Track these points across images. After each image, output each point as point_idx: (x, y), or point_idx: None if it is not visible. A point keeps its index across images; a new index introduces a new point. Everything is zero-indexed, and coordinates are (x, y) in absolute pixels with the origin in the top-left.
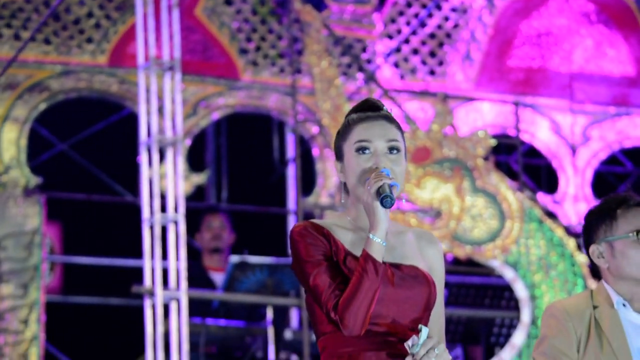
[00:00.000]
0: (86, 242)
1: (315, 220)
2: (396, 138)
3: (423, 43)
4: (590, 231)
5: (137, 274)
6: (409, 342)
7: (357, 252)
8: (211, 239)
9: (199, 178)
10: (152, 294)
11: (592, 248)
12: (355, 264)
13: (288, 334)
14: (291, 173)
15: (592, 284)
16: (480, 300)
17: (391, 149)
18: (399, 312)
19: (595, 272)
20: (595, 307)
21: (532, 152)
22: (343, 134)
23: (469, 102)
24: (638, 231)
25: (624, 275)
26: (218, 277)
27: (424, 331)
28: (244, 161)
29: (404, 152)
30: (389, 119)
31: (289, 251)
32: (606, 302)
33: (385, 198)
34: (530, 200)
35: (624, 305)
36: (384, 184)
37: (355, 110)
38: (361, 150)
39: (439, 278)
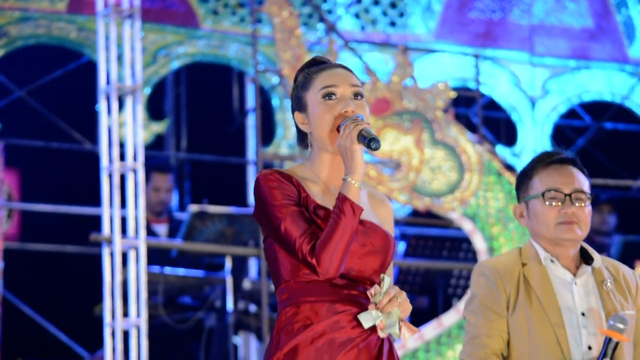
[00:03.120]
0: (44, 189)
1: (281, 169)
2: (358, 84)
3: None
4: (517, 190)
5: (95, 222)
6: (372, 291)
7: (326, 204)
8: (156, 203)
9: (158, 127)
10: (110, 242)
11: (514, 208)
12: (325, 214)
13: (247, 284)
14: (251, 123)
15: None
16: (438, 252)
17: (355, 95)
18: (361, 265)
19: None
20: (524, 265)
21: (491, 105)
22: (304, 84)
23: (429, 54)
24: (545, 191)
25: (540, 234)
26: (161, 229)
27: (387, 280)
28: (204, 110)
29: (365, 99)
30: (347, 68)
31: (249, 201)
32: (534, 259)
33: (372, 140)
34: (490, 153)
35: (552, 261)
36: (365, 127)
37: (306, 66)
38: (328, 95)
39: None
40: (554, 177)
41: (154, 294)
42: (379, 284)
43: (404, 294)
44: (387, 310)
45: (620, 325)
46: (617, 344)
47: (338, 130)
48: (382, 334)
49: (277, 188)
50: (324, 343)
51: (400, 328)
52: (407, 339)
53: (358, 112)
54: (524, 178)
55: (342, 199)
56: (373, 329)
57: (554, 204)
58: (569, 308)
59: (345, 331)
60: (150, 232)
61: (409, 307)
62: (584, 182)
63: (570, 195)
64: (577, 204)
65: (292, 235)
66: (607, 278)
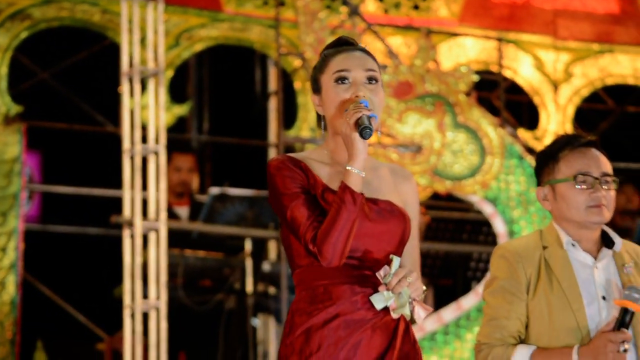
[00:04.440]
0: (66, 171)
1: (292, 154)
2: (374, 68)
3: None
4: (538, 173)
5: (116, 204)
6: (381, 272)
7: (335, 186)
8: (177, 184)
9: (181, 109)
10: (131, 224)
11: (538, 190)
12: (333, 198)
13: (266, 266)
14: (273, 106)
15: None
16: (458, 235)
17: (370, 79)
18: (375, 246)
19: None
20: (545, 248)
21: (514, 89)
22: (320, 66)
23: (452, 38)
24: (576, 174)
25: (566, 218)
26: (182, 211)
27: (396, 261)
28: (226, 93)
29: (381, 83)
30: (365, 51)
31: None
32: (556, 242)
33: (364, 129)
34: (511, 136)
35: (572, 245)
36: (362, 116)
37: (330, 46)
38: (340, 80)
39: (413, 213)
40: (583, 160)
41: (174, 276)
42: (389, 265)
43: (414, 273)
44: (397, 290)
45: (636, 295)
46: (632, 314)
47: (342, 115)
48: (394, 315)
49: (287, 176)
50: (338, 324)
51: (413, 308)
52: (422, 318)
53: (371, 97)
54: (549, 160)
55: (342, 188)
56: (388, 310)
57: (584, 187)
58: (589, 292)
59: (361, 312)
60: (172, 215)
61: (420, 287)
62: (609, 165)
63: (599, 178)
64: (605, 187)
65: (297, 223)
66: (627, 262)
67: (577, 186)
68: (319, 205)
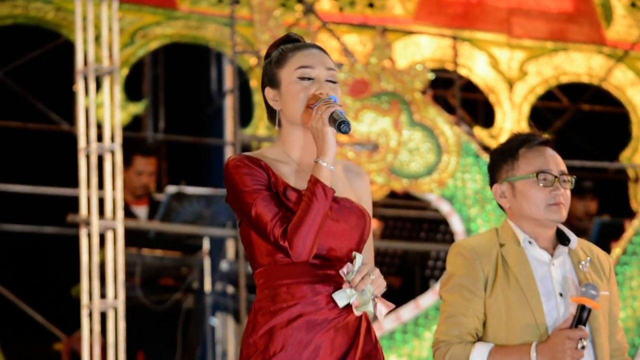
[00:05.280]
0: (22, 170)
1: (250, 153)
2: (334, 68)
3: None
4: (494, 170)
5: (73, 203)
6: (344, 270)
7: (295, 184)
8: (138, 187)
9: (136, 108)
10: (87, 223)
11: (495, 187)
12: (296, 196)
13: (224, 265)
14: (229, 104)
15: None
16: (416, 233)
17: (330, 77)
18: (337, 244)
19: (502, 208)
20: (502, 245)
21: (469, 87)
22: (278, 61)
23: (408, 36)
24: (538, 172)
25: (525, 215)
26: (141, 211)
27: (359, 258)
28: (181, 92)
29: (338, 83)
30: (323, 49)
31: None
32: (513, 240)
33: (342, 123)
34: (467, 134)
35: (529, 242)
36: (336, 110)
37: (282, 42)
38: (303, 76)
39: (368, 210)
40: (542, 158)
41: (131, 275)
42: (352, 262)
43: (377, 270)
44: (360, 287)
45: (593, 292)
46: (590, 311)
47: (310, 109)
48: (357, 312)
49: (246, 174)
50: (301, 324)
51: (375, 305)
52: (383, 315)
53: (331, 94)
54: (508, 158)
55: (313, 181)
56: (351, 308)
57: (544, 185)
58: (546, 289)
59: (323, 312)
60: (131, 214)
61: (383, 284)
62: (564, 164)
63: (558, 177)
64: (563, 186)
65: (264, 219)
66: (583, 259)
67: (540, 184)
68: (283, 203)
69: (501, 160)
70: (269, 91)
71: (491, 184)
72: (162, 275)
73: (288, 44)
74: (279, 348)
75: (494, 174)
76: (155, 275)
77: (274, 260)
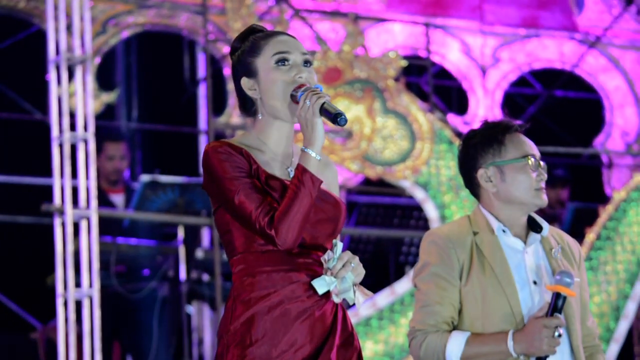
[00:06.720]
0: None
1: (230, 140)
2: (307, 52)
3: None
4: (476, 155)
5: (46, 193)
6: (325, 257)
7: (274, 173)
8: (111, 172)
9: (109, 97)
10: (62, 212)
11: (481, 172)
12: (278, 185)
13: (199, 253)
14: (202, 93)
15: None
16: (389, 220)
17: (305, 62)
18: (313, 232)
19: (476, 195)
20: (475, 233)
21: (442, 74)
22: (252, 50)
23: (380, 23)
24: (526, 155)
25: (512, 198)
26: (118, 199)
27: (339, 245)
28: (155, 80)
29: (313, 66)
30: (292, 36)
31: (201, 171)
32: (486, 228)
33: (338, 116)
34: (441, 121)
35: (503, 231)
36: (327, 101)
37: (248, 34)
38: (281, 62)
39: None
40: (526, 144)
41: (106, 264)
42: (332, 250)
43: (356, 258)
44: (340, 275)
45: (567, 280)
46: (565, 298)
47: (292, 97)
48: (336, 299)
49: (227, 160)
50: (280, 314)
51: (354, 292)
52: (361, 303)
53: (309, 78)
54: (493, 143)
55: (302, 170)
56: (328, 296)
57: (532, 169)
58: (521, 277)
59: (301, 300)
60: (108, 202)
61: (362, 272)
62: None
63: (539, 162)
64: (544, 171)
65: (248, 208)
66: (555, 246)
67: (531, 169)
68: (265, 191)
69: (486, 145)
70: (245, 81)
71: (471, 170)
72: (138, 264)
73: (258, 34)
74: (260, 336)
75: (477, 159)
76: (131, 264)
77: (252, 248)
